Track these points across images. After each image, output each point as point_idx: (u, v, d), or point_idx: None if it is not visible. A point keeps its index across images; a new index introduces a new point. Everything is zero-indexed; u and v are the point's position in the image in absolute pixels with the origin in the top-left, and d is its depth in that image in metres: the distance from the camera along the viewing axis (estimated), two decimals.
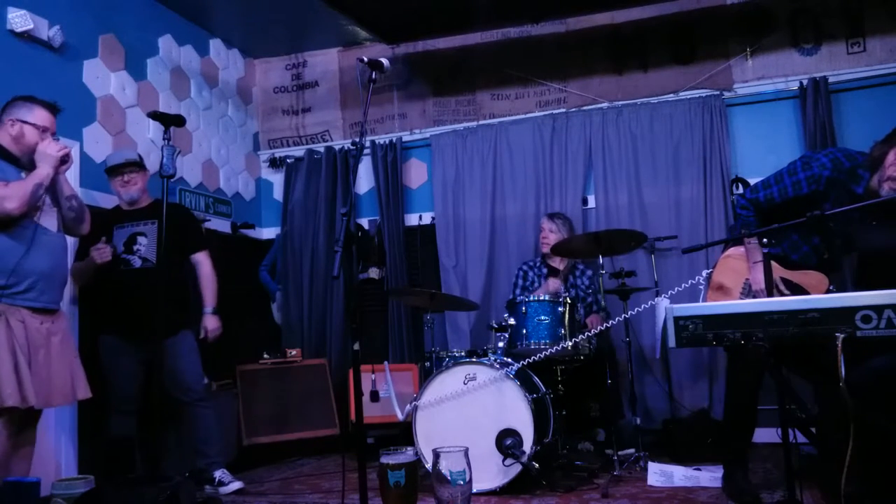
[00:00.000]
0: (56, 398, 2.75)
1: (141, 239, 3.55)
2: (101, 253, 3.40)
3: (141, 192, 3.62)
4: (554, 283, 4.11)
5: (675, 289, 3.04)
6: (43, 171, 2.71)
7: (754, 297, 2.77)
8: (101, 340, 3.51)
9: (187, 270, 3.72)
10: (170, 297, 3.47)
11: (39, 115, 2.81)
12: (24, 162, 2.77)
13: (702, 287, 3.00)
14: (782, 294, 2.75)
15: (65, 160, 2.79)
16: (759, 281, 2.72)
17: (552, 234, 4.16)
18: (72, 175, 3.68)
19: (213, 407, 3.71)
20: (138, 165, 3.64)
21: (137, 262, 3.52)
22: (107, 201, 3.87)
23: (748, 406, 2.85)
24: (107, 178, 3.66)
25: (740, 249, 2.92)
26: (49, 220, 2.81)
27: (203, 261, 3.72)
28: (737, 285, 2.88)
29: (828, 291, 2.67)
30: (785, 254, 2.85)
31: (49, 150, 2.74)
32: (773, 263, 2.80)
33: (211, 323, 3.65)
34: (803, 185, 2.69)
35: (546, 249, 4.18)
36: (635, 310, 3.46)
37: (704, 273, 3.01)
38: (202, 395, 3.63)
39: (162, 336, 3.41)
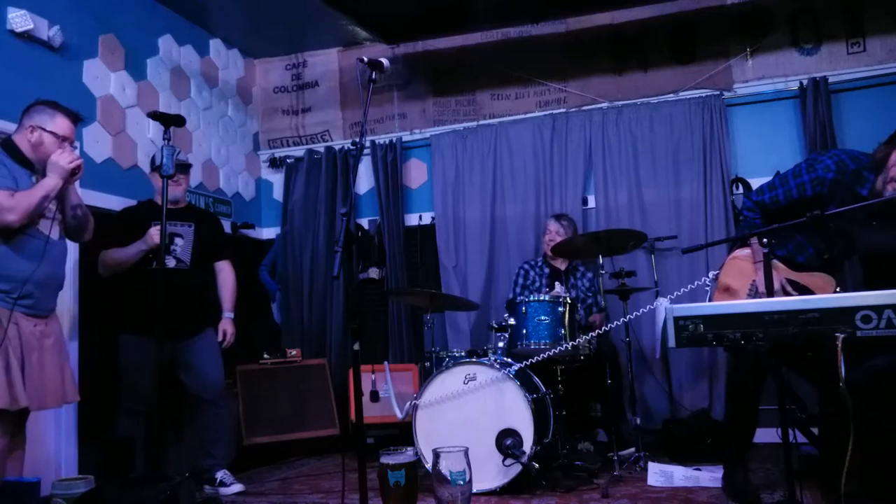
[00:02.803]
0: (48, 401, 2.73)
1: (178, 240, 3.56)
2: (157, 235, 3.33)
3: (183, 193, 3.68)
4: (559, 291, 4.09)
5: (677, 292, 3.02)
6: (51, 182, 2.67)
7: (762, 293, 2.77)
8: (124, 340, 3.47)
9: (212, 276, 3.78)
10: (198, 298, 3.54)
11: (61, 125, 2.77)
12: (38, 170, 2.75)
13: (708, 288, 3.00)
14: (788, 295, 2.75)
15: (75, 172, 2.74)
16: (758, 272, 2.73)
17: (559, 237, 4.16)
18: None
19: (228, 408, 3.75)
20: (187, 169, 3.74)
21: (171, 262, 3.52)
22: (109, 202, 3.87)
23: (749, 406, 2.85)
24: (149, 169, 3.72)
25: (747, 251, 2.92)
26: (51, 226, 2.78)
27: (226, 268, 3.82)
28: (743, 287, 2.87)
29: (834, 293, 2.67)
30: (790, 255, 2.85)
31: (61, 161, 2.69)
32: (779, 265, 2.80)
33: (230, 327, 3.73)
34: (807, 187, 2.69)
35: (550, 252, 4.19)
36: (635, 313, 3.46)
37: (711, 274, 3.00)
38: (222, 395, 3.64)
39: (184, 335, 3.48)
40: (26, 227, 2.65)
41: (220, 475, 3.51)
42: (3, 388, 2.50)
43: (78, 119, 2.87)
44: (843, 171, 2.63)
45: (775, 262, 2.78)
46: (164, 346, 3.36)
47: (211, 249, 3.73)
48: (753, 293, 2.83)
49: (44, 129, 2.74)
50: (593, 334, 3.54)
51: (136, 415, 3.45)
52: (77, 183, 2.90)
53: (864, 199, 2.56)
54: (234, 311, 3.79)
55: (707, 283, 2.99)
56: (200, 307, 3.59)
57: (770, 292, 2.30)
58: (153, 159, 3.69)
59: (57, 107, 2.80)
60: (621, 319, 3.51)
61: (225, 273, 3.80)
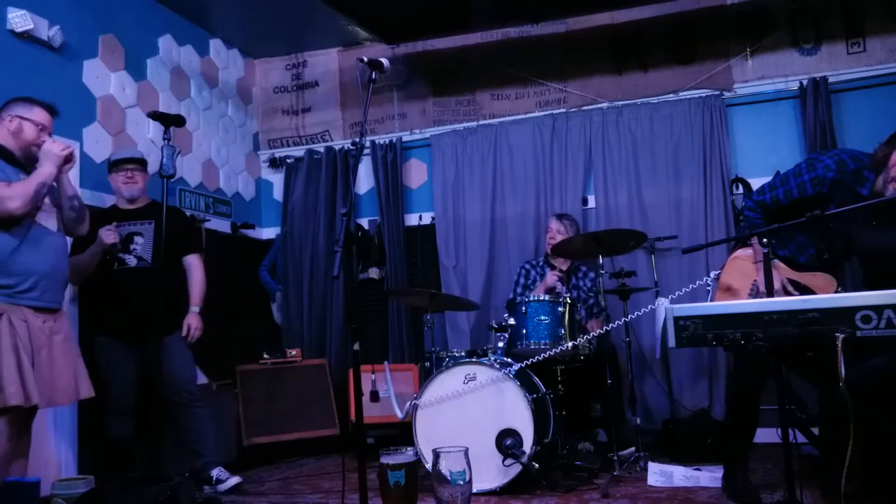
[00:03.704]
0: (60, 397, 2.75)
1: (138, 238, 3.55)
2: (110, 234, 3.38)
3: (141, 191, 3.64)
4: (552, 278, 4.10)
5: (678, 292, 3.03)
6: (46, 171, 2.71)
7: (762, 293, 2.78)
8: (97, 341, 3.50)
9: (181, 272, 3.72)
10: (165, 298, 3.47)
11: (38, 114, 2.82)
12: (20, 158, 2.77)
13: (709, 288, 3.00)
14: (790, 295, 2.75)
15: (69, 159, 2.79)
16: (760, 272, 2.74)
17: (559, 235, 4.16)
18: (72, 175, 3.68)
19: (208, 406, 3.70)
20: (142, 164, 3.67)
21: (133, 262, 3.52)
22: (109, 202, 3.87)
23: (750, 406, 2.85)
24: (107, 172, 3.68)
25: (748, 251, 2.93)
26: (49, 220, 2.81)
27: (195, 263, 3.74)
28: (745, 286, 2.88)
29: (836, 293, 2.67)
30: (792, 255, 2.85)
31: (54, 148, 2.74)
32: (781, 265, 2.81)
33: (194, 321, 3.63)
34: (807, 186, 2.70)
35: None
36: (636, 313, 3.45)
37: (713, 274, 3.01)
38: (196, 396, 3.61)
39: (157, 336, 3.42)
40: (21, 220, 2.66)
41: (215, 472, 3.50)
42: (16, 385, 2.51)
43: (54, 112, 2.90)
44: (843, 171, 2.63)
45: (776, 261, 2.79)
46: (135, 348, 3.39)
47: (176, 245, 3.63)
48: (755, 293, 2.83)
49: (21, 117, 2.78)
50: (593, 335, 3.54)
51: (123, 415, 3.46)
52: (71, 175, 2.92)
53: (865, 198, 2.57)
54: (201, 306, 3.69)
55: (708, 283, 2.99)
56: (168, 307, 3.45)
57: (770, 292, 2.30)
58: (109, 158, 3.69)
59: (33, 100, 2.84)
60: (621, 320, 3.51)
61: (193, 268, 3.72)
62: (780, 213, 2.77)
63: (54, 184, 2.81)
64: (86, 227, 3.04)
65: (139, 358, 3.43)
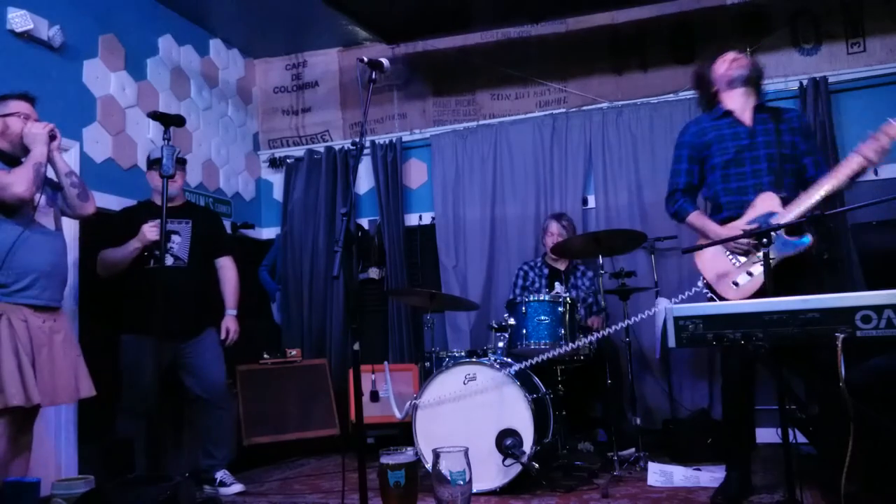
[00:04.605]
0: (60, 396, 2.76)
1: (175, 237, 3.53)
2: (154, 231, 3.34)
3: (179, 190, 3.64)
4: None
5: (680, 296, 3.03)
6: (37, 151, 2.72)
7: (737, 251, 2.88)
8: (122, 339, 3.47)
9: (213, 273, 3.73)
10: (197, 297, 3.50)
11: (15, 105, 2.82)
12: (19, 154, 2.77)
13: (706, 292, 3.01)
14: (754, 248, 2.79)
15: (53, 136, 2.80)
16: (720, 234, 2.88)
17: (560, 237, 4.17)
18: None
19: (231, 410, 3.73)
20: (181, 163, 3.67)
21: (170, 260, 3.50)
22: (109, 202, 3.87)
23: (741, 403, 2.86)
24: (146, 169, 3.66)
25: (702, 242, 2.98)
26: (47, 219, 2.81)
27: (228, 265, 3.76)
28: (725, 263, 2.92)
29: (783, 201, 2.75)
30: (738, 207, 2.92)
31: (34, 129, 2.75)
32: (729, 225, 2.88)
33: (232, 325, 3.69)
34: (693, 140, 3.02)
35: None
36: (638, 316, 3.39)
37: (700, 282, 3.03)
38: (225, 396, 3.63)
39: (185, 335, 3.45)
40: (20, 219, 2.66)
41: (219, 475, 3.50)
42: (17, 386, 2.52)
43: (29, 98, 2.88)
44: (699, 117, 3.08)
45: (728, 226, 2.84)
46: (164, 347, 3.37)
47: (210, 246, 3.68)
48: (735, 260, 2.89)
49: (2, 116, 2.78)
50: (597, 335, 3.53)
51: (135, 415, 3.44)
52: (61, 153, 2.93)
53: (727, 114, 2.94)
54: (238, 308, 3.75)
55: (704, 289, 3.00)
56: (200, 306, 3.56)
57: (770, 289, 2.30)
58: (149, 157, 3.67)
59: (5, 97, 2.84)
60: (622, 323, 3.48)
61: (226, 270, 3.75)
62: (693, 188, 3.09)
63: (52, 178, 2.81)
64: (92, 205, 3.01)
65: (167, 357, 3.39)
